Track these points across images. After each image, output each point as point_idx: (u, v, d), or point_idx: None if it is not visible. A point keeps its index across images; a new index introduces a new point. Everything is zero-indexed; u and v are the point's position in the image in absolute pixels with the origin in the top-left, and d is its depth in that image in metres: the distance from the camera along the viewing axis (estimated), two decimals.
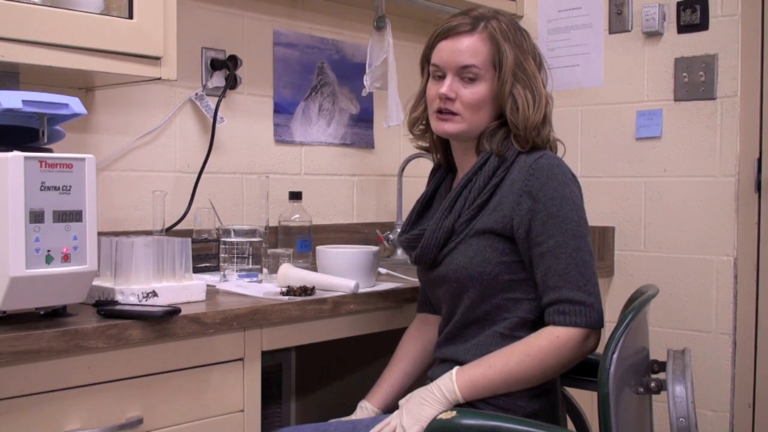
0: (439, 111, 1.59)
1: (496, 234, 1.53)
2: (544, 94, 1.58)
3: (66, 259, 1.37)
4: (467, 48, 1.56)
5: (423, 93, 1.67)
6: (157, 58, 1.79)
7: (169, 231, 2.09)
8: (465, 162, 1.65)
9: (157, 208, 2.04)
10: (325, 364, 2.43)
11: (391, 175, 2.77)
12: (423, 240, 1.61)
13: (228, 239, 1.93)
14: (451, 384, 1.48)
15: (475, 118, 1.58)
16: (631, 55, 2.57)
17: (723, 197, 2.41)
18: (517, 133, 1.56)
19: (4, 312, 1.36)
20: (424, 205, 1.74)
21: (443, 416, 1.39)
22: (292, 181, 2.48)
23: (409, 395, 1.54)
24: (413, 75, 1.71)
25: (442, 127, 1.60)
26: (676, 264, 2.50)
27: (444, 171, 1.75)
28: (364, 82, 2.45)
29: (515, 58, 1.56)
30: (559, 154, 1.62)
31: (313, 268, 1.99)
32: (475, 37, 1.56)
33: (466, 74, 1.56)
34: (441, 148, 1.73)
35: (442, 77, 1.59)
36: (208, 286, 1.73)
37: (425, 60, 1.65)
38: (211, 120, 2.23)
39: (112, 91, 2.06)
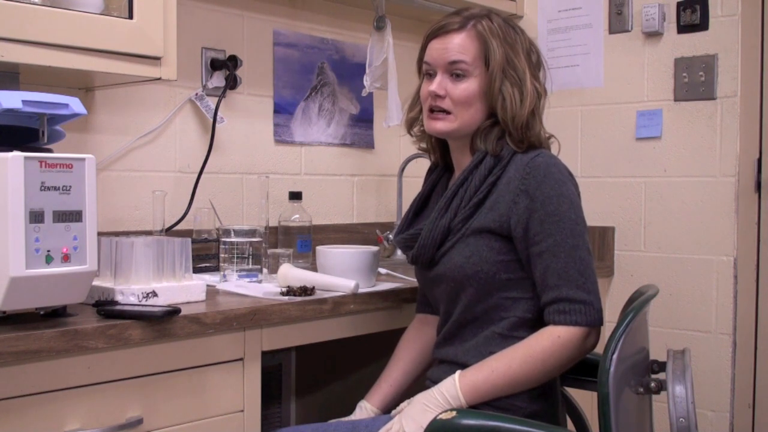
0: (431, 110, 1.60)
1: (493, 233, 1.53)
2: (531, 91, 1.57)
3: (66, 259, 1.37)
4: (456, 45, 1.57)
5: (418, 94, 1.68)
6: (157, 58, 1.79)
7: (169, 231, 2.09)
8: (461, 161, 1.65)
9: (157, 208, 2.04)
10: (325, 364, 2.43)
11: (391, 175, 2.77)
12: (419, 239, 1.61)
13: (228, 239, 1.93)
14: (454, 390, 1.48)
15: (466, 115, 1.58)
16: (631, 55, 2.57)
17: (723, 197, 2.41)
18: (508, 130, 1.56)
19: (4, 312, 1.36)
20: (421, 204, 1.74)
21: (443, 416, 1.39)
22: (292, 181, 2.48)
23: (411, 399, 1.54)
24: (413, 75, 1.72)
25: (434, 125, 1.61)
26: (676, 264, 2.49)
27: (440, 170, 1.75)
28: (364, 82, 2.44)
29: (504, 56, 1.56)
30: (554, 151, 1.63)
31: (313, 268, 1.99)
32: (463, 35, 1.57)
33: (455, 71, 1.57)
34: (438, 149, 1.73)
35: (434, 75, 1.60)
36: (208, 286, 1.73)
37: (420, 60, 1.66)
38: (211, 120, 2.23)
39: (112, 91, 2.06)
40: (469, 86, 1.57)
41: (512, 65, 1.56)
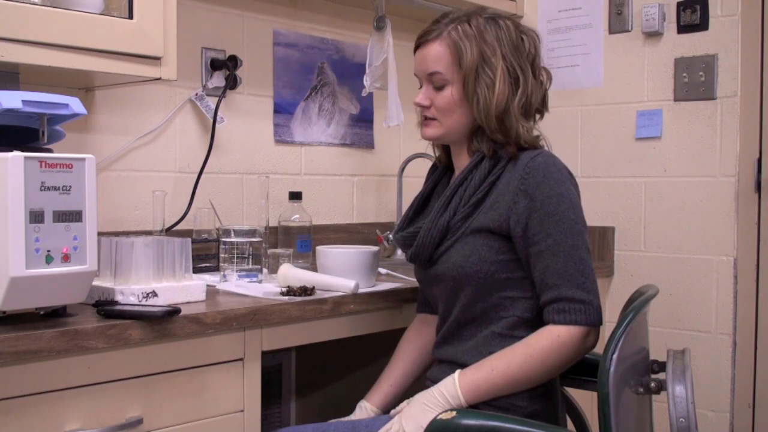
0: (424, 117, 1.65)
1: (493, 232, 1.53)
2: (501, 90, 1.54)
3: (66, 259, 1.37)
4: (431, 56, 1.60)
5: None
6: (157, 58, 1.79)
7: (169, 231, 2.09)
8: (460, 162, 1.66)
9: (157, 208, 2.04)
10: (325, 364, 2.43)
11: (391, 175, 2.77)
12: (418, 238, 1.62)
13: (228, 239, 1.93)
14: (454, 389, 1.48)
15: (451, 121, 1.60)
16: (631, 55, 2.57)
17: (723, 197, 2.41)
18: (487, 131, 1.57)
19: (4, 312, 1.36)
20: (422, 203, 1.74)
21: (443, 416, 1.39)
22: (292, 181, 2.48)
23: (411, 399, 1.54)
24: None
25: (424, 132, 1.66)
26: (676, 264, 2.50)
27: (442, 170, 1.75)
28: (364, 82, 2.44)
29: (479, 56, 1.56)
30: (546, 147, 1.63)
31: (313, 268, 1.99)
32: (436, 44, 1.59)
33: (434, 81, 1.60)
34: (442, 149, 1.74)
35: (422, 86, 1.64)
36: (208, 286, 1.73)
37: None
38: (211, 120, 2.23)
39: (112, 91, 2.06)
40: (448, 94, 1.59)
41: (488, 63, 1.56)
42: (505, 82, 1.56)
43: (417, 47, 1.64)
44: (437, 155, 1.76)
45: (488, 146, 1.58)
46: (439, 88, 1.60)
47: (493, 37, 1.58)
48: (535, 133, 1.61)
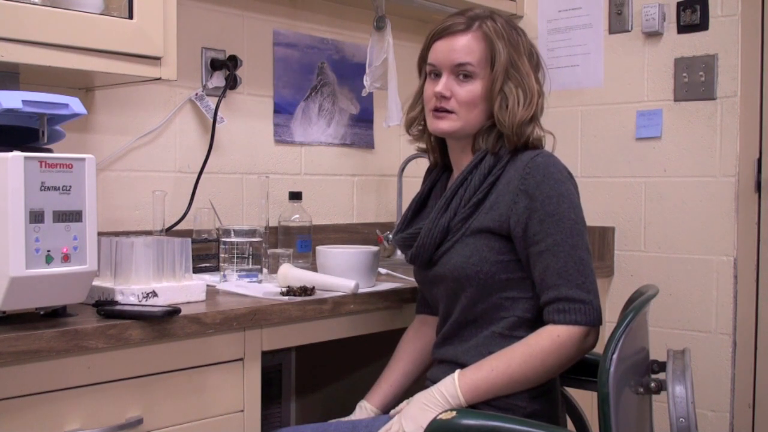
0: (436, 109, 1.60)
1: (493, 233, 1.53)
2: (536, 92, 1.58)
3: (66, 259, 1.37)
4: (462, 47, 1.57)
5: (420, 93, 1.68)
6: (157, 58, 1.79)
7: (169, 231, 2.09)
8: (461, 161, 1.65)
9: (157, 208, 2.04)
10: (325, 364, 2.43)
11: (391, 175, 2.77)
12: (418, 239, 1.61)
13: (228, 239, 1.93)
14: (453, 389, 1.48)
15: (471, 116, 1.59)
16: (631, 55, 2.57)
17: (723, 197, 2.41)
18: (503, 130, 1.56)
19: (4, 312, 1.36)
20: (420, 204, 1.74)
21: (443, 416, 1.39)
22: (292, 181, 2.48)
23: (410, 399, 1.54)
24: (413, 75, 1.72)
25: (438, 125, 1.61)
26: (676, 264, 2.49)
27: (439, 170, 1.75)
28: (364, 82, 2.45)
29: (509, 57, 1.56)
30: (549, 146, 1.63)
31: (313, 268, 1.99)
32: (469, 36, 1.57)
33: (461, 72, 1.58)
34: (438, 149, 1.73)
35: (438, 76, 1.60)
36: (208, 286, 1.73)
37: (422, 60, 1.66)
38: (211, 120, 2.23)
39: (112, 91, 2.07)
40: (474, 88, 1.57)
41: (515, 66, 1.57)
42: (535, 84, 1.57)
43: (439, 37, 1.60)
44: (433, 159, 1.75)
45: (493, 144, 1.58)
46: (465, 81, 1.58)
47: (517, 41, 1.58)
48: (542, 133, 1.62)
